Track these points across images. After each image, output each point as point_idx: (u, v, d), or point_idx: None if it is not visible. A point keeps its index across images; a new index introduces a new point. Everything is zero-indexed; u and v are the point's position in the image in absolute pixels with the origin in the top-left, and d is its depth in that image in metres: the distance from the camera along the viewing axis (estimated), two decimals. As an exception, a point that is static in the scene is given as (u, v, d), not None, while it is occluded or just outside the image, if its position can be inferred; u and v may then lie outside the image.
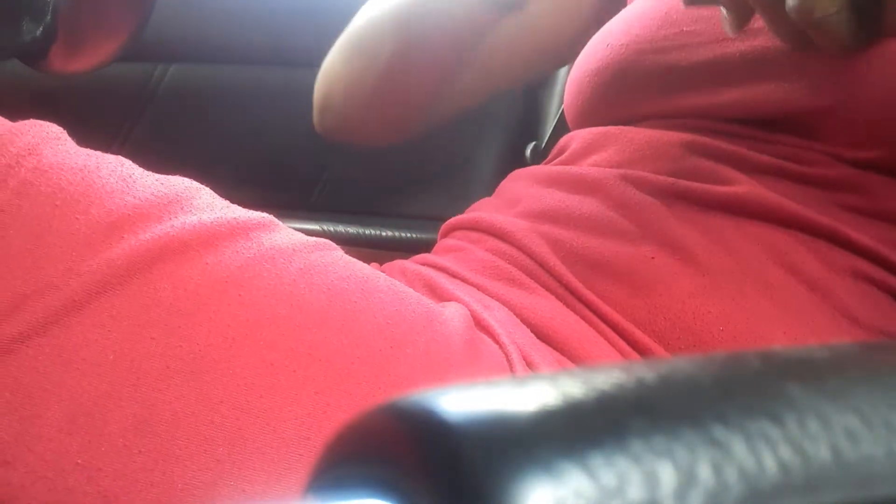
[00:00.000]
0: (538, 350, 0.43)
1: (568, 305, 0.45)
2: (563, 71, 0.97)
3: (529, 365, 0.42)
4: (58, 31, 0.54)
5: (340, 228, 0.98)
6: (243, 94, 1.01)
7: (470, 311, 0.44)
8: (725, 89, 0.47)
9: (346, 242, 0.94)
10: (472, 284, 0.47)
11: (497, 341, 0.42)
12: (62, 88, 0.92)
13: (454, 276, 0.48)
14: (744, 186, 0.45)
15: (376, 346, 0.36)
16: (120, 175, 0.35)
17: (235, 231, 0.36)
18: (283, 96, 1.01)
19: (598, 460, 0.12)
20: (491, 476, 0.12)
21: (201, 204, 0.37)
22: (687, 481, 0.12)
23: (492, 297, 0.46)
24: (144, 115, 0.97)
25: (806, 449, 0.13)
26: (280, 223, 0.40)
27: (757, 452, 0.13)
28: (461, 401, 0.13)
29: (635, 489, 0.12)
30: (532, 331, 0.44)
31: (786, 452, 0.13)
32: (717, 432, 0.13)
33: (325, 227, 0.97)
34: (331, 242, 0.42)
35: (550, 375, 0.14)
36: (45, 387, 0.30)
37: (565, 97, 0.58)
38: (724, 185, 0.46)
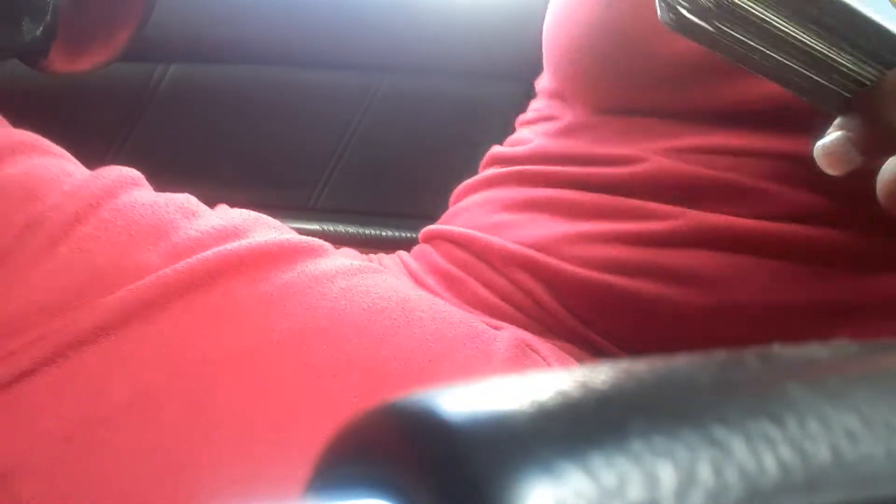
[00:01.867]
0: None
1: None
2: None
3: None
4: (58, 30, 0.54)
5: (340, 228, 0.98)
6: (244, 94, 1.01)
7: (526, 343, 0.45)
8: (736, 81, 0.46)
9: (346, 242, 0.94)
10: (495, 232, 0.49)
11: (546, 364, 0.43)
12: (62, 88, 0.92)
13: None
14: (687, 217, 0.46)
15: (415, 359, 0.39)
16: (185, 211, 0.40)
17: (286, 251, 0.40)
18: (284, 96, 1.01)
19: (598, 460, 0.12)
20: (491, 476, 0.12)
21: (257, 229, 0.41)
22: (687, 481, 0.12)
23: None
24: (145, 115, 0.97)
25: (806, 449, 0.13)
26: (330, 247, 0.43)
27: (757, 452, 0.13)
28: (461, 401, 0.13)
29: (635, 489, 0.12)
30: None
31: (786, 452, 0.13)
32: (717, 432, 0.13)
33: (325, 227, 0.97)
34: (377, 266, 0.45)
35: (550, 375, 0.14)
36: (108, 375, 0.35)
37: (547, 36, 0.55)
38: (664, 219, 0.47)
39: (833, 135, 0.33)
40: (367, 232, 0.99)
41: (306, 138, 1.03)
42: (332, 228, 0.97)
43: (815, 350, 0.16)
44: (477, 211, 0.56)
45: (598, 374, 0.14)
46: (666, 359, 0.15)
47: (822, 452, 0.13)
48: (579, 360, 0.46)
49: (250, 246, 0.39)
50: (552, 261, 0.48)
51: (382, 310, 0.40)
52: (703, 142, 0.47)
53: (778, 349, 0.16)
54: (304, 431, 0.35)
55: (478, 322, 0.44)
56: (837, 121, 0.33)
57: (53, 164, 0.41)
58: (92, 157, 1.04)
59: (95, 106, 0.95)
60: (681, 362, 0.15)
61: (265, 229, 0.42)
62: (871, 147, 0.33)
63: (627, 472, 0.12)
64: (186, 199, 0.42)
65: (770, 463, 0.12)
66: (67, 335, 0.35)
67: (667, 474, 0.12)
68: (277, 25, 1.01)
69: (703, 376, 0.14)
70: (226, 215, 0.42)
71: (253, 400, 0.36)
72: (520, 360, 0.42)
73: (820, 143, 0.34)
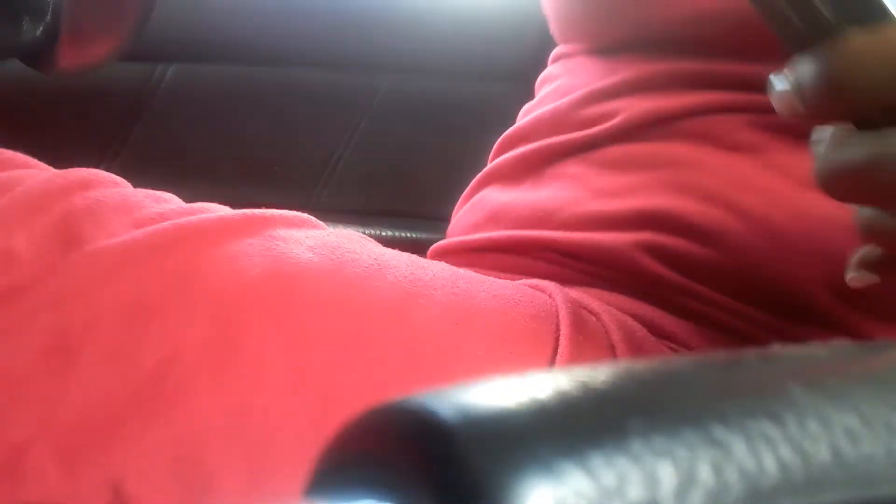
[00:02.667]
0: (601, 304, 0.44)
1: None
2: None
3: (587, 309, 0.43)
4: (58, 30, 0.54)
5: (341, 228, 0.98)
6: (243, 94, 1.01)
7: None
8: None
9: (347, 242, 0.94)
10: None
11: (544, 290, 0.43)
12: (62, 88, 0.92)
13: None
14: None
15: (386, 298, 0.39)
16: (156, 197, 0.41)
17: (253, 220, 0.40)
18: (284, 96, 1.01)
19: (598, 460, 0.12)
20: (491, 476, 0.12)
21: (223, 209, 0.41)
22: (687, 481, 0.12)
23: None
24: (144, 115, 0.97)
25: (806, 449, 0.13)
26: (312, 220, 0.44)
27: (757, 452, 0.13)
28: (461, 401, 0.13)
29: (635, 489, 0.12)
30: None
31: (786, 452, 0.13)
32: (717, 432, 0.13)
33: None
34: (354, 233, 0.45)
35: (550, 375, 0.14)
36: (86, 329, 0.35)
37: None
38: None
39: (783, 76, 0.31)
40: (366, 232, 0.98)
41: (306, 138, 1.03)
42: (332, 228, 0.97)
43: (815, 350, 0.16)
44: (468, 214, 0.57)
45: (598, 374, 0.14)
46: (666, 359, 0.15)
47: (822, 452, 0.13)
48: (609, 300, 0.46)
49: (213, 217, 0.40)
50: (556, 234, 0.49)
51: (353, 260, 0.40)
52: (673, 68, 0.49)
53: (778, 349, 0.16)
54: (279, 366, 0.36)
55: (462, 269, 0.44)
56: (794, 62, 0.31)
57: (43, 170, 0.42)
58: (92, 156, 1.04)
59: (96, 106, 0.95)
60: (681, 362, 0.15)
61: (234, 210, 0.42)
62: (814, 104, 0.30)
63: (627, 472, 0.12)
64: (162, 193, 0.42)
65: (770, 463, 0.12)
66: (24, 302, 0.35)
67: (667, 474, 0.12)
68: (277, 26, 1.01)
69: (703, 376, 0.14)
70: (194, 205, 0.42)
71: (225, 343, 0.36)
72: (507, 294, 0.42)
73: (772, 76, 0.32)
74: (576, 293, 0.45)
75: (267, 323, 0.37)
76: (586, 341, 0.41)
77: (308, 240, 0.41)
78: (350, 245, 0.42)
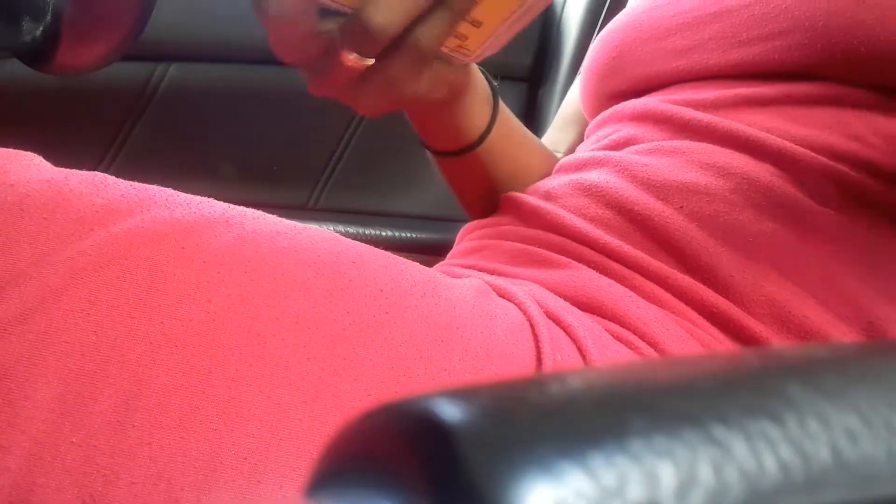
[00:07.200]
0: (574, 314, 0.43)
1: (603, 271, 0.47)
2: (563, 71, 0.97)
3: (560, 324, 0.42)
4: (57, 30, 0.54)
5: (340, 228, 0.98)
6: (243, 93, 1.01)
7: (491, 285, 0.44)
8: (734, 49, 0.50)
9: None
10: (501, 274, 0.48)
11: (516, 302, 0.43)
12: (62, 88, 0.92)
13: (482, 270, 0.49)
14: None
15: (369, 312, 0.37)
16: (91, 182, 0.36)
17: (213, 221, 0.36)
18: (284, 96, 1.01)
19: (598, 460, 0.12)
20: (491, 476, 0.12)
21: (177, 201, 0.37)
22: (687, 481, 0.12)
23: (523, 279, 0.47)
24: (144, 115, 0.97)
25: (806, 449, 0.13)
26: (267, 214, 0.40)
27: (757, 452, 0.13)
28: (461, 401, 0.13)
29: (635, 489, 0.12)
30: (570, 303, 0.45)
31: (786, 452, 0.13)
32: (717, 432, 0.13)
33: (325, 228, 0.97)
34: (327, 229, 0.42)
35: (550, 376, 0.14)
36: (30, 370, 0.31)
37: (581, 83, 0.61)
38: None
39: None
40: (367, 232, 0.99)
41: (306, 138, 1.03)
42: (331, 228, 0.97)
43: (815, 350, 0.16)
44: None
45: (598, 374, 0.14)
46: (666, 359, 0.15)
47: (822, 452, 0.13)
48: (597, 283, 0.46)
49: (169, 218, 0.35)
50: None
51: (331, 265, 0.37)
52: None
53: (778, 349, 0.16)
54: (256, 400, 0.33)
55: (438, 273, 0.43)
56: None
57: None
58: (92, 156, 1.04)
59: (95, 106, 0.95)
60: (681, 362, 0.15)
61: (186, 199, 0.38)
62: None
63: (627, 471, 0.12)
64: (93, 174, 0.37)
65: (770, 463, 0.12)
66: None
67: (667, 474, 0.12)
68: (277, 25, 1.01)
69: (703, 376, 0.14)
70: (139, 186, 0.37)
71: (193, 383, 0.32)
72: (485, 305, 0.41)
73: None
74: (550, 299, 0.44)
75: (240, 351, 0.33)
76: (564, 360, 0.40)
77: (281, 238, 0.37)
78: (326, 245, 0.39)
